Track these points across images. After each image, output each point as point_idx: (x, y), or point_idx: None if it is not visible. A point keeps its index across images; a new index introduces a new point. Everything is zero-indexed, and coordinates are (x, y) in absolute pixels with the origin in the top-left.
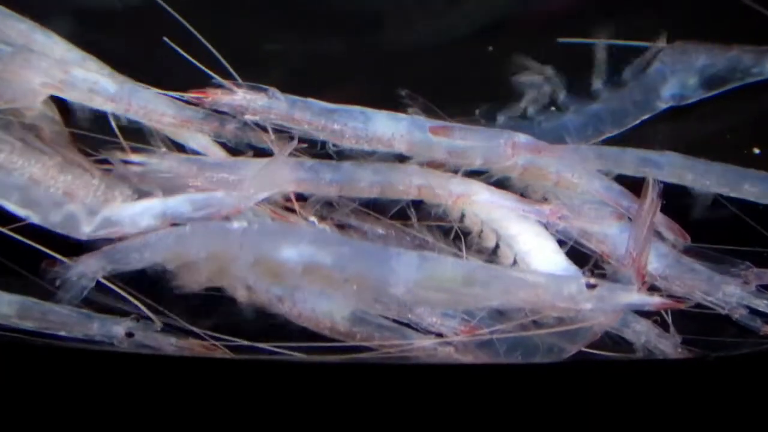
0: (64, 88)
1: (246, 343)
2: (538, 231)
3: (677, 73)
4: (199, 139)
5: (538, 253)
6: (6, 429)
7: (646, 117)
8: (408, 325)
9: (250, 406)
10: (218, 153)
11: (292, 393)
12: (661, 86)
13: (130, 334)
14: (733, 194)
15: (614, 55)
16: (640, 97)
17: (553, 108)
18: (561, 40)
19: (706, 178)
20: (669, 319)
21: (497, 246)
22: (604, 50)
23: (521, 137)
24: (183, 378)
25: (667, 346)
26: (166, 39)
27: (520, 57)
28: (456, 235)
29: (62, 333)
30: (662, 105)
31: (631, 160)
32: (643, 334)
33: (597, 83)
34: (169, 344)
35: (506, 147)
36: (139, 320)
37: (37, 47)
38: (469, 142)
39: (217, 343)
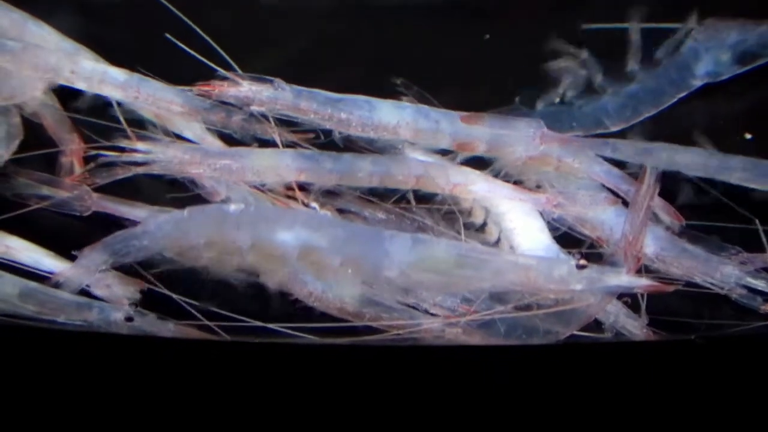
0: (74, 79)
1: (254, 322)
2: (527, 210)
3: (710, 50)
4: (193, 128)
5: (523, 231)
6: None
7: (681, 95)
8: (413, 308)
9: (251, 389)
10: (213, 141)
11: (296, 375)
12: (695, 64)
13: (129, 319)
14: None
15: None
16: (675, 76)
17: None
18: (586, 26)
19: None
20: (643, 302)
21: (485, 223)
22: (637, 31)
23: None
24: (185, 362)
25: (635, 326)
26: (168, 35)
27: (553, 41)
28: (449, 214)
29: (60, 318)
30: (697, 82)
31: (661, 154)
32: (612, 314)
33: (632, 64)
34: (168, 330)
35: (536, 137)
36: (138, 306)
37: (30, 38)
38: (500, 131)
39: (215, 326)
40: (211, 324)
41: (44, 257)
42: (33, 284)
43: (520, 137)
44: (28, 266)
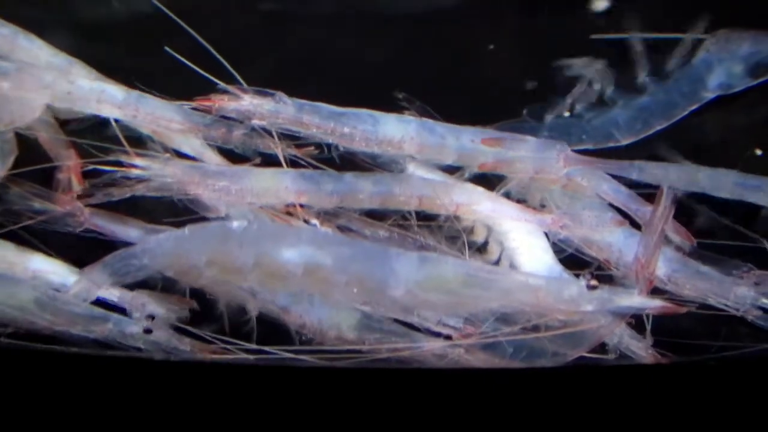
0: (71, 98)
1: (267, 349)
2: (530, 229)
3: (723, 62)
4: (192, 144)
5: (526, 251)
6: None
7: (693, 108)
8: (414, 328)
9: (260, 413)
10: (212, 157)
11: (299, 397)
12: (707, 76)
13: (147, 331)
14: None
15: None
16: (687, 88)
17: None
18: (595, 36)
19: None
20: (648, 323)
21: (486, 242)
22: (642, 43)
23: None
24: (194, 384)
25: (640, 348)
26: (167, 48)
27: (561, 61)
28: (450, 233)
29: (75, 330)
30: (709, 95)
31: (687, 175)
32: (616, 335)
33: (642, 76)
34: (185, 344)
35: (559, 159)
36: (154, 319)
37: (21, 53)
38: (522, 153)
39: (231, 347)
40: (230, 348)
41: (71, 275)
42: (50, 293)
43: (543, 159)
44: (57, 287)
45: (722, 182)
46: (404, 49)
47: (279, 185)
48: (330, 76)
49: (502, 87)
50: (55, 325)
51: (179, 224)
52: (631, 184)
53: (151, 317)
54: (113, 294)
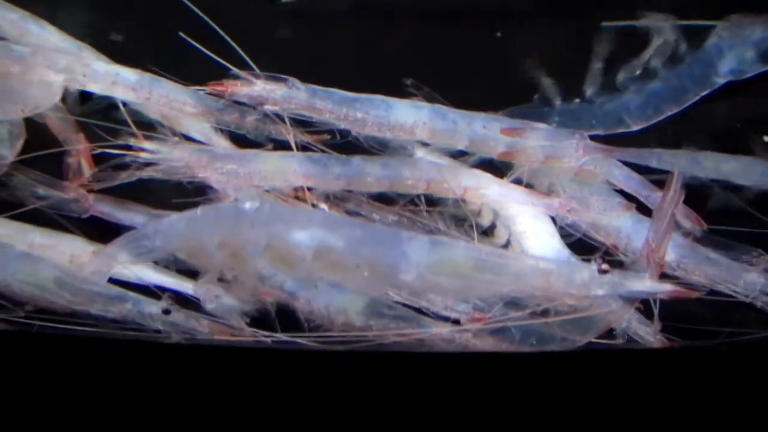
0: (86, 81)
1: (276, 335)
2: (537, 213)
3: (734, 48)
4: (201, 128)
5: (534, 234)
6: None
7: (705, 93)
8: (422, 312)
9: (267, 397)
10: (221, 142)
11: (307, 382)
12: (719, 61)
13: (167, 311)
14: None
15: None
16: (698, 74)
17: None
18: (605, 23)
19: None
20: (656, 308)
21: (493, 225)
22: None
23: None
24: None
25: (648, 332)
26: (182, 34)
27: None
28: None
29: (94, 310)
30: (720, 80)
31: (708, 163)
32: (625, 320)
33: (654, 61)
34: (203, 326)
35: (578, 149)
36: (174, 300)
37: (31, 38)
38: (541, 142)
39: (254, 330)
40: (257, 331)
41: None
42: (71, 271)
43: (561, 149)
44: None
45: (743, 170)
46: (410, 38)
47: (287, 168)
48: (338, 66)
49: (509, 75)
50: (74, 304)
51: (187, 208)
52: (643, 171)
53: (171, 297)
54: (187, 287)
